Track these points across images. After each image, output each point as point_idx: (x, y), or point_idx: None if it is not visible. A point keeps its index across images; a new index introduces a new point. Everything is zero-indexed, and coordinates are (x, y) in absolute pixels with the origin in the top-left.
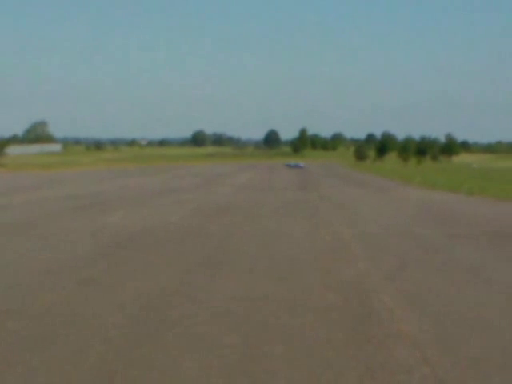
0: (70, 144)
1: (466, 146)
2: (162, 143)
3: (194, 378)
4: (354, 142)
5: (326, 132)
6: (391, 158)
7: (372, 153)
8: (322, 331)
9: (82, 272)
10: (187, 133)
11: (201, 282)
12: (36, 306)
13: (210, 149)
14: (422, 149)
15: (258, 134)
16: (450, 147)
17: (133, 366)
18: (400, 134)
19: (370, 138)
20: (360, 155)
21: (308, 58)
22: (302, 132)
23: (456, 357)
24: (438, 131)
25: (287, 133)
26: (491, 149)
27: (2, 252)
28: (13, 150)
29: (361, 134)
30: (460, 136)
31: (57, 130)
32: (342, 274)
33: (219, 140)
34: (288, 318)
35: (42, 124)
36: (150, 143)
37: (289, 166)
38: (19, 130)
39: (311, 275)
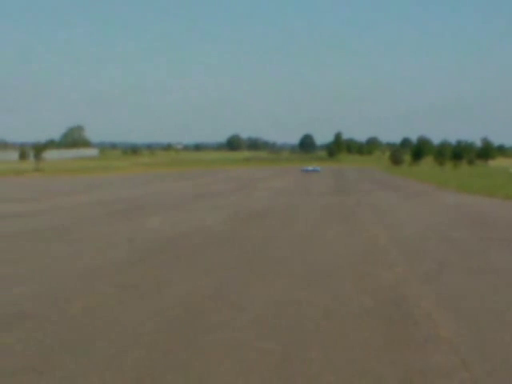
0: (107, 149)
1: (502, 150)
2: (198, 148)
3: None
4: (390, 146)
5: (361, 136)
6: (427, 162)
7: (408, 157)
8: (360, 336)
9: (120, 277)
10: (223, 137)
11: (238, 286)
12: (74, 310)
13: (245, 153)
14: (458, 153)
15: (294, 139)
16: (487, 151)
17: (170, 371)
18: (436, 138)
19: (406, 142)
20: (396, 159)
21: (343, 62)
22: (338, 136)
23: (495, 362)
24: (474, 135)
25: (322, 137)
26: None
27: (41, 257)
28: (50, 155)
29: (396, 139)
30: (496, 140)
31: (93, 134)
32: (378, 277)
33: (255, 144)
34: (325, 323)
35: (79, 129)
36: (186, 148)
37: (306, 171)
38: (56, 134)
39: (348, 279)
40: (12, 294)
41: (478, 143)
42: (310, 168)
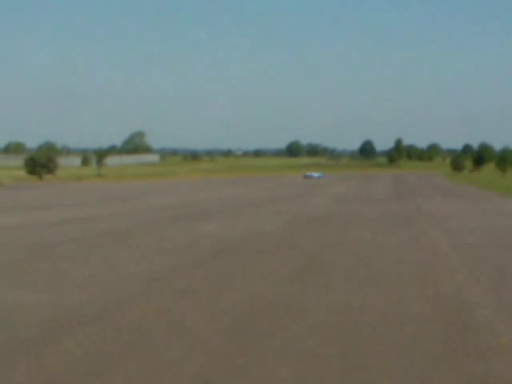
0: (167, 154)
1: None
2: (258, 154)
3: None
4: (451, 152)
5: (421, 142)
6: (489, 168)
7: (469, 163)
8: (420, 343)
9: (180, 281)
10: (282, 143)
11: (297, 292)
12: (135, 314)
13: (304, 159)
14: None
15: (354, 145)
16: None
17: (229, 377)
18: (498, 144)
19: (467, 148)
20: (457, 166)
21: (404, 67)
22: (398, 143)
23: None
24: None
25: (383, 143)
26: None
27: (102, 261)
28: (111, 161)
29: (457, 145)
30: None
31: (154, 140)
32: (439, 285)
33: (314, 150)
34: (385, 330)
35: (140, 135)
36: (246, 154)
37: (310, 176)
38: (118, 140)
39: (408, 286)
40: (74, 297)
41: None
42: (315, 175)
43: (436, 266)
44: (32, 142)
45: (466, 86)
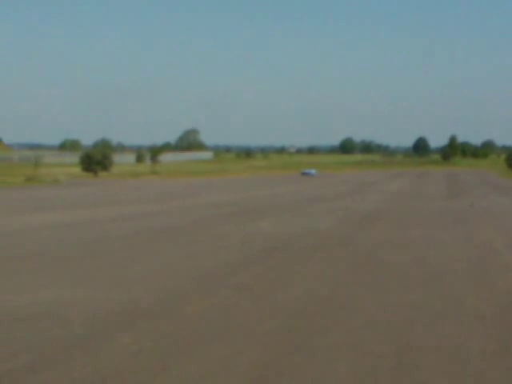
0: (221, 151)
1: None
2: (311, 151)
3: None
4: (506, 149)
5: (476, 139)
6: None
7: None
8: (476, 342)
9: (234, 278)
10: (336, 140)
11: (351, 289)
12: (190, 310)
13: (358, 156)
14: None
15: (407, 142)
16: None
17: (284, 373)
18: None
19: None
20: (511, 163)
21: (456, 63)
22: (452, 139)
23: None
24: None
25: (437, 140)
26: None
27: (158, 257)
28: (165, 158)
29: None
30: None
31: (208, 137)
32: (495, 283)
33: (368, 147)
34: (441, 328)
35: (194, 132)
36: (299, 151)
37: (307, 173)
38: (172, 137)
39: (464, 284)
40: (130, 293)
41: None
42: (313, 171)
43: (491, 264)
44: (87, 140)
45: None
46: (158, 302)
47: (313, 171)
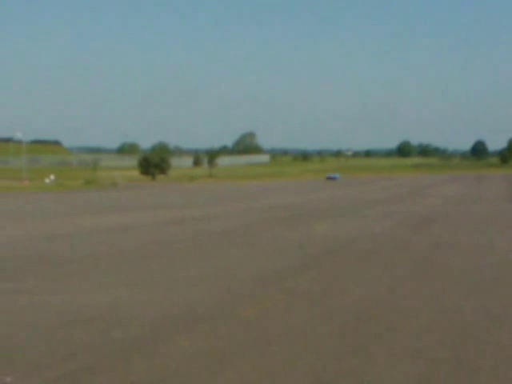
0: (278, 155)
1: None
2: (368, 154)
3: None
4: None
5: None
6: None
7: None
8: None
9: (290, 282)
10: (393, 143)
11: (407, 293)
12: (247, 313)
13: (415, 159)
14: None
15: (465, 145)
16: None
17: (341, 378)
18: None
19: None
20: None
21: None
22: (511, 142)
23: None
24: None
25: (496, 143)
26: None
27: (215, 260)
28: (222, 161)
29: None
30: None
31: (265, 141)
32: None
33: (425, 151)
34: (498, 333)
35: (251, 135)
36: (356, 154)
37: (331, 178)
38: (229, 141)
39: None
40: (188, 296)
41: None
42: (337, 176)
43: None
44: (146, 143)
45: None
46: (215, 305)
47: (337, 175)
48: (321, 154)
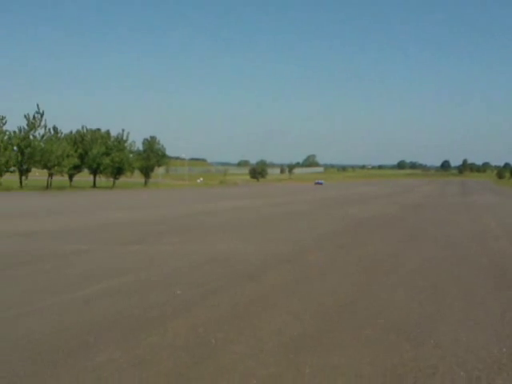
0: (328, 167)
1: None
2: (380, 167)
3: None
4: (497, 168)
5: (478, 161)
6: None
7: (508, 174)
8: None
9: (337, 239)
10: (394, 161)
11: (404, 248)
12: (311, 258)
13: (408, 171)
14: None
15: (437, 162)
16: None
17: (368, 298)
18: None
19: (507, 164)
20: (500, 176)
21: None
22: (464, 161)
23: None
24: None
25: (455, 162)
26: None
27: (292, 227)
28: (296, 171)
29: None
30: None
31: (321, 159)
32: (481, 231)
33: (413, 165)
34: (456, 269)
35: (313, 156)
36: (373, 167)
37: (318, 183)
38: (300, 159)
39: (470, 242)
40: (276, 248)
41: None
42: (322, 182)
43: (487, 233)
44: (253, 159)
45: None
46: (291, 253)
47: (322, 181)
48: (353, 167)
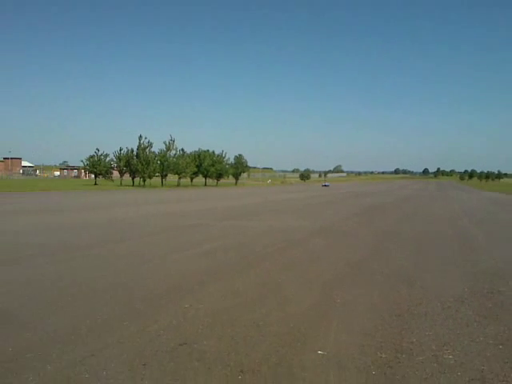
0: (350, 173)
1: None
2: (382, 173)
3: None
4: (458, 173)
5: (447, 168)
6: (475, 180)
7: (466, 177)
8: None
9: (356, 218)
10: (391, 168)
11: (402, 224)
12: (344, 229)
13: (401, 175)
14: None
15: (420, 169)
16: (499, 175)
17: (379, 256)
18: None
19: (466, 171)
20: (461, 178)
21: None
22: (438, 169)
23: None
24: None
25: (432, 169)
26: None
27: (326, 211)
28: (329, 175)
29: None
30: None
31: (346, 167)
32: (449, 209)
33: (404, 171)
34: (438, 236)
35: (339, 166)
36: (380, 172)
37: (325, 185)
38: (330, 167)
39: (444, 219)
40: (318, 223)
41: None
42: (328, 184)
43: (456, 219)
44: (302, 168)
45: None
46: (328, 226)
47: (328, 183)
48: (365, 173)
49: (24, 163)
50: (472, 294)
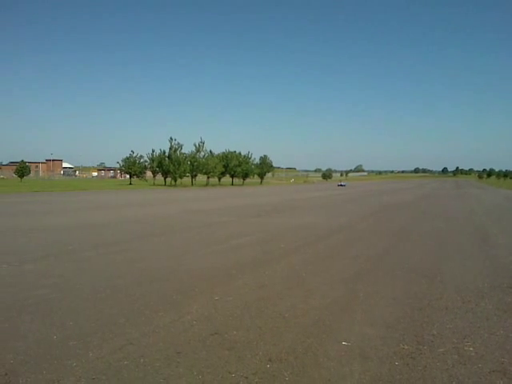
0: (370, 172)
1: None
2: (402, 172)
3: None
4: (477, 172)
5: (467, 167)
6: (493, 178)
7: (485, 176)
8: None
9: (376, 215)
10: (411, 167)
11: (417, 222)
12: (358, 227)
13: (421, 174)
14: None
15: (439, 168)
16: None
17: (397, 251)
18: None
19: (484, 170)
20: (480, 176)
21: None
22: (457, 168)
23: None
24: None
25: (451, 168)
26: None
27: (346, 208)
28: (350, 174)
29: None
30: None
31: (367, 167)
32: (464, 206)
33: (424, 171)
34: (454, 233)
35: (360, 165)
36: (404, 171)
37: (341, 185)
38: (352, 166)
39: (463, 221)
40: (336, 221)
41: None
42: (344, 183)
43: (469, 212)
44: (324, 167)
45: None
46: (347, 225)
47: (344, 183)
48: (385, 172)
49: (64, 164)
50: (492, 288)
